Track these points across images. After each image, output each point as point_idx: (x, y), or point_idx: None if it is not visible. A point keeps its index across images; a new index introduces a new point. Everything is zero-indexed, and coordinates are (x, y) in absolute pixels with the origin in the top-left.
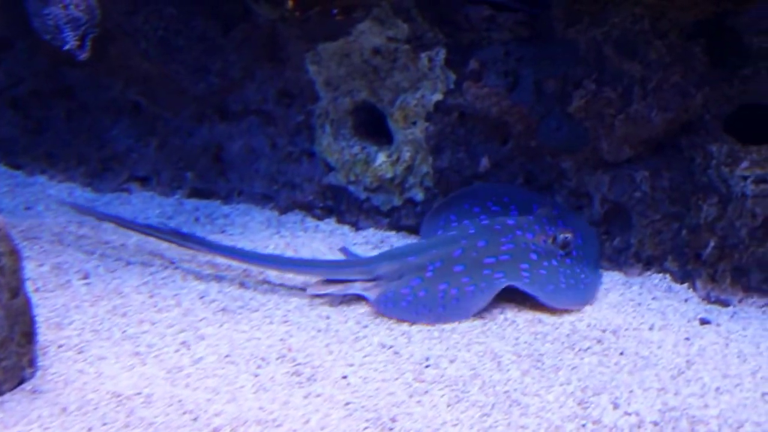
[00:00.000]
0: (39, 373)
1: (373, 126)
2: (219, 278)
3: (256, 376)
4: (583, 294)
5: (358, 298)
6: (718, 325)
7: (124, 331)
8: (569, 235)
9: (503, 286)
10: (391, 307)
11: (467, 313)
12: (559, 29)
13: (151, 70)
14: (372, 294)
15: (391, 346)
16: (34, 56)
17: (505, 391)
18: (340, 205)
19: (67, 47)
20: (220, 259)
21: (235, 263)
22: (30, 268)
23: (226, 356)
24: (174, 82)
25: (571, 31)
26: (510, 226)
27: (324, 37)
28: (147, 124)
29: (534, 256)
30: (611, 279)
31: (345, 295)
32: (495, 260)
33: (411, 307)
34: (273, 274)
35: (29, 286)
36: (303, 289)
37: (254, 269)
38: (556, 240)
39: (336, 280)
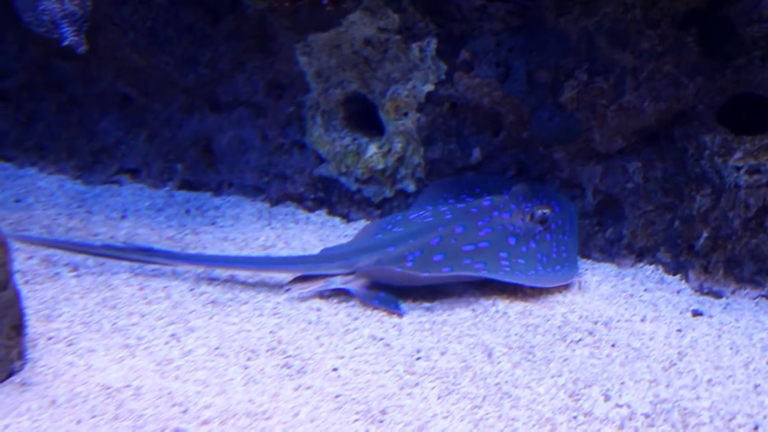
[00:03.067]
0: (28, 366)
1: (364, 117)
2: (209, 271)
3: (246, 368)
4: (563, 274)
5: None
6: (711, 316)
7: (114, 324)
8: (547, 210)
9: (483, 276)
10: None
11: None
12: (551, 19)
13: (140, 61)
14: (354, 286)
15: (381, 339)
16: (24, 49)
17: (496, 384)
18: (331, 196)
19: (66, 42)
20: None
21: (215, 270)
22: (19, 261)
23: (216, 348)
24: (163, 73)
25: (563, 21)
26: (486, 207)
27: (314, 27)
28: (136, 115)
29: (512, 241)
30: (603, 270)
31: (327, 290)
32: (474, 248)
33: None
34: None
35: (18, 279)
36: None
37: (234, 273)
38: (533, 216)
39: (316, 275)
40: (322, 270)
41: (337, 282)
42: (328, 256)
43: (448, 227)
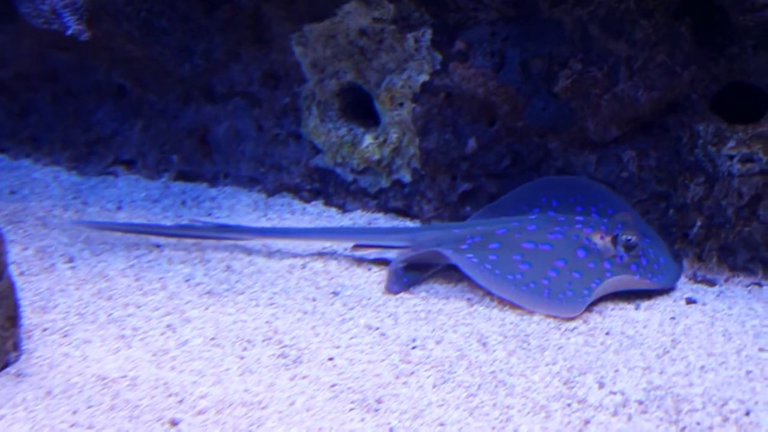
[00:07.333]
0: (24, 357)
1: (359, 108)
2: (205, 261)
3: (242, 358)
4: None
5: (344, 280)
6: (704, 304)
7: (110, 315)
8: (633, 237)
9: (506, 291)
10: None
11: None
12: (545, 8)
13: (135, 52)
14: (396, 257)
15: (377, 328)
16: (19, 40)
17: (491, 372)
18: (327, 187)
19: (70, 32)
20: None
21: (279, 241)
22: (14, 252)
23: (212, 339)
24: (158, 64)
25: (557, 11)
26: (573, 220)
27: (309, 18)
28: (132, 106)
29: (581, 254)
30: None
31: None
32: (534, 246)
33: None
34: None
35: (13, 270)
36: (290, 272)
37: (302, 243)
38: (617, 240)
39: (378, 245)
40: (385, 241)
41: (390, 253)
42: (394, 228)
43: (522, 223)
